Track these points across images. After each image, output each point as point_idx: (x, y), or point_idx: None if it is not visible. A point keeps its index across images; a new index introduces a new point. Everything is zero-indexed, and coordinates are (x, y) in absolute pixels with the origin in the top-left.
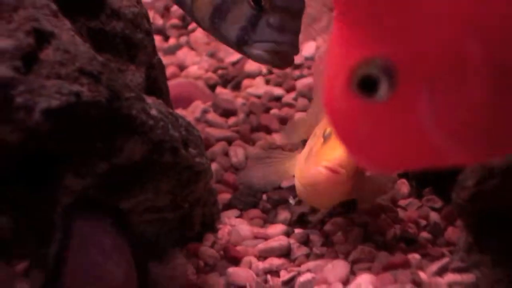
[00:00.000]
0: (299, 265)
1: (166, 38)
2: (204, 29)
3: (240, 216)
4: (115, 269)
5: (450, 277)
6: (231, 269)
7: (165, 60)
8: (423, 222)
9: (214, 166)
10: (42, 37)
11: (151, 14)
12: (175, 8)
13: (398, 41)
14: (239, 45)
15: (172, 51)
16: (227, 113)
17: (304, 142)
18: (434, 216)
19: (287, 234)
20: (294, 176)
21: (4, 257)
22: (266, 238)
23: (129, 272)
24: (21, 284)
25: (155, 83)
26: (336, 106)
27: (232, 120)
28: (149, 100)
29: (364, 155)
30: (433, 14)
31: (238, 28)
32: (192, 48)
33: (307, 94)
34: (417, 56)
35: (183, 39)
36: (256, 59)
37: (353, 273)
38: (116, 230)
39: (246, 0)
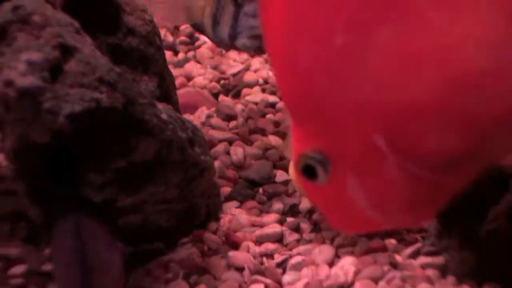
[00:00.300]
0: (290, 249)
1: (176, 53)
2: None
3: (239, 207)
4: (116, 257)
5: (423, 259)
6: (232, 253)
7: (174, 72)
8: None
9: (217, 163)
10: (67, 51)
11: (162, 32)
12: (183, 27)
13: (327, 137)
14: (232, 42)
15: (180, 64)
16: (229, 117)
17: None
18: None
19: (280, 222)
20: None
21: (34, 242)
22: (262, 225)
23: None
24: (47, 266)
25: (166, 91)
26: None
27: (232, 123)
28: (160, 106)
29: (326, 217)
30: (351, 112)
31: (228, 28)
32: (198, 62)
33: None
34: (342, 148)
35: (190, 54)
36: (243, 48)
37: (337, 256)
38: (105, 224)
39: (229, 0)
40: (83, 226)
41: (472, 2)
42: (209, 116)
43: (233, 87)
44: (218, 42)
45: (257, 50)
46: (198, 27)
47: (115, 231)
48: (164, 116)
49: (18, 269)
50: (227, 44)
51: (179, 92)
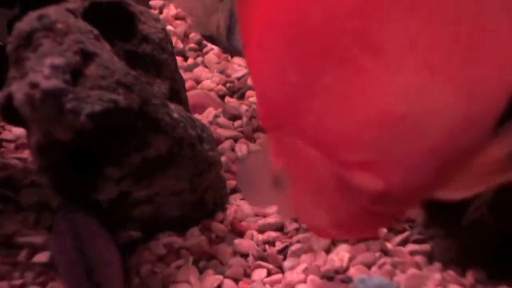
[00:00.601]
0: (290, 237)
1: (186, 58)
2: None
3: (243, 199)
4: (114, 254)
5: (411, 247)
6: (237, 240)
7: (184, 75)
8: None
9: (223, 158)
10: (87, 56)
11: (174, 39)
12: (192, 34)
13: (287, 157)
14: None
15: (190, 68)
16: (234, 117)
17: None
18: None
19: None
20: None
21: None
22: (264, 216)
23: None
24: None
25: (177, 93)
26: None
27: (237, 123)
28: (172, 106)
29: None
30: (300, 138)
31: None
32: (206, 67)
33: None
34: (297, 169)
35: (199, 59)
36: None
37: (333, 244)
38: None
39: None
40: (81, 225)
41: (400, 54)
42: (216, 116)
43: (238, 90)
44: (233, 51)
45: None
46: (211, 39)
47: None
48: (175, 115)
49: (42, 256)
50: (241, 52)
51: (189, 94)
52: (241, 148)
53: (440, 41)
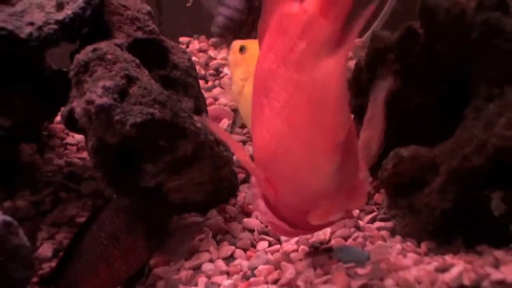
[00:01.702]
0: None
1: (206, 81)
2: None
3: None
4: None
5: (378, 224)
6: (245, 219)
7: (206, 94)
8: None
9: (235, 157)
10: (131, 80)
11: (197, 67)
12: (212, 63)
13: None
14: None
15: (210, 89)
16: (243, 125)
17: None
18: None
19: None
20: None
21: None
22: None
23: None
24: None
25: (200, 108)
26: None
27: (245, 130)
28: (196, 118)
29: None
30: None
31: None
32: (222, 87)
33: None
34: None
35: (216, 82)
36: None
37: None
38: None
39: None
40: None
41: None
42: (229, 125)
43: None
44: None
45: None
46: None
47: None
48: (198, 125)
49: None
50: None
51: (209, 108)
52: (249, 149)
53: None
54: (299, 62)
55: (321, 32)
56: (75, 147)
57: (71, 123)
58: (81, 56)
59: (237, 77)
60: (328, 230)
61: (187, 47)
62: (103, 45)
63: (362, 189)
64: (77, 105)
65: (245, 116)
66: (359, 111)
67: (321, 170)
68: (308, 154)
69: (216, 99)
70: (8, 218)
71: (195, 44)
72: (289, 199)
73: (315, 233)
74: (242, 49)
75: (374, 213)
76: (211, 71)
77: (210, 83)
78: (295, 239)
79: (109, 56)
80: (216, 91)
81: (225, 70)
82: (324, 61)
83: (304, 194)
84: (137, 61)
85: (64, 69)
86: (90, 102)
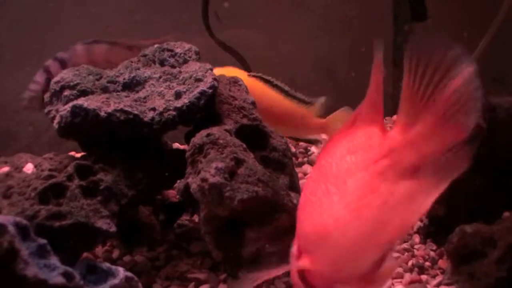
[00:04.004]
0: None
1: (297, 158)
2: None
3: None
4: None
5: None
6: None
7: (297, 170)
8: (426, 257)
9: None
10: (239, 162)
11: (291, 147)
12: (301, 144)
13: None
14: None
15: (300, 165)
16: None
17: None
18: (432, 254)
19: None
20: None
21: (215, 270)
22: None
23: None
24: (221, 286)
25: (293, 184)
26: None
27: None
28: (292, 194)
29: None
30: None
31: None
32: (310, 164)
33: None
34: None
35: (305, 159)
36: None
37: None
38: None
39: None
40: None
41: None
42: None
43: None
44: None
45: None
46: None
47: None
48: (295, 201)
49: (204, 287)
50: None
51: (301, 182)
52: None
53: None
54: (381, 173)
55: (404, 159)
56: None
57: (186, 195)
58: (197, 140)
59: None
60: None
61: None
62: (215, 131)
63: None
64: (193, 181)
65: None
66: None
67: (367, 258)
68: (364, 243)
69: (305, 174)
70: (129, 274)
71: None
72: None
73: None
74: None
75: (440, 278)
76: (301, 149)
77: (300, 159)
78: None
79: (221, 141)
80: (305, 166)
81: (313, 148)
82: (402, 182)
83: (345, 272)
84: (244, 145)
85: (179, 148)
86: (204, 180)
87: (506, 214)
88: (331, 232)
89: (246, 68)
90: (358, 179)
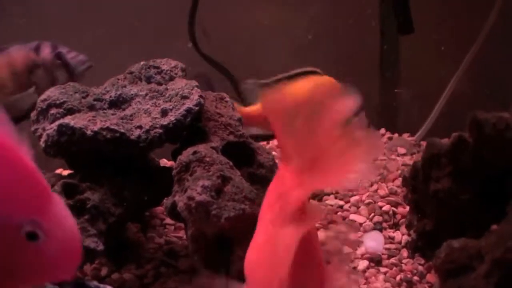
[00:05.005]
0: None
1: None
2: None
3: None
4: None
5: None
6: None
7: None
8: (414, 271)
9: None
10: (225, 179)
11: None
12: None
13: None
14: None
15: None
16: None
17: None
18: (420, 268)
19: None
20: None
21: None
22: None
23: None
24: None
25: None
26: None
27: None
28: None
29: None
30: None
31: None
32: None
33: None
34: None
35: None
36: None
37: None
38: None
39: None
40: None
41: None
42: None
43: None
44: None
45: None
46: None
47: None
48: None
49: None
50: None
51: None
52: None
53: None
54: (272, 219)
55: (290, 202)
56: (173, 227)
57: (173, 213)
58: (183, 158)
59: None
60: None
61: (268, 143)
62: (202, 148)
63: None
64: (179, 199)
65: None
66: (415, 204)
67: None
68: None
69: None
70: None
71: (274, 142)
72: None
73: None
74: None
75: None
76: None
77: None
78: None
79: (207, 159)
80: None
81: None
82: (287, 227)
83: None
84: (231, 163)
85: (166, 165)
86: (191, 198)
87: (494, 227)
88: (247, 269)
89: (232, 81)
90: (262, 220)
